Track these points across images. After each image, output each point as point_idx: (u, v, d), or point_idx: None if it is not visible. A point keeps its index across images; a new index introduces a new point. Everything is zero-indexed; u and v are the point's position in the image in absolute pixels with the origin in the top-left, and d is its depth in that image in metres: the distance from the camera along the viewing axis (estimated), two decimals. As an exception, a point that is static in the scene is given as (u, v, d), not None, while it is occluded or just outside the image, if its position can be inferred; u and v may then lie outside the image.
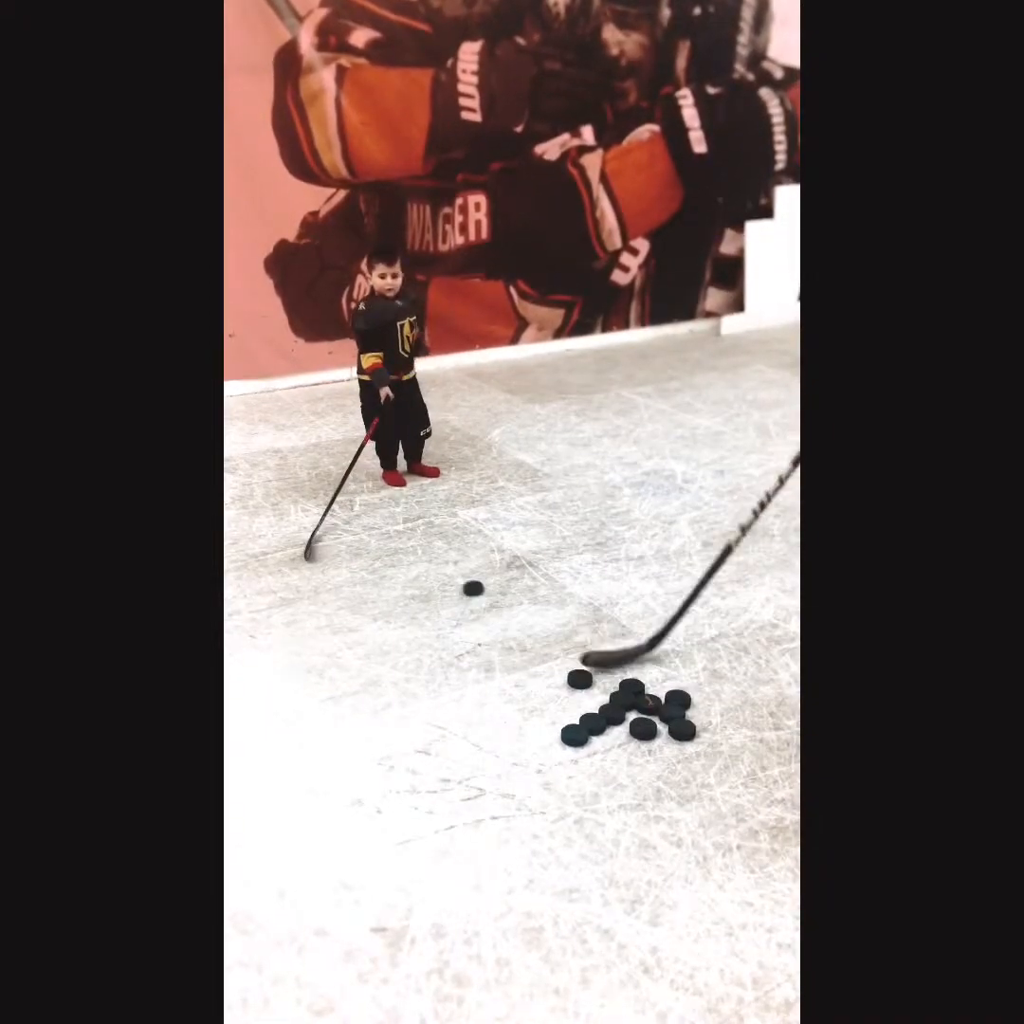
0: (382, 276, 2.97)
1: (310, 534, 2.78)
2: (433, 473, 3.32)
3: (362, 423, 3.77)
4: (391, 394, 3.00)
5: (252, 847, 1.62)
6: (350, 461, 3.05)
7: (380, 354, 3.00)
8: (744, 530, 2.11)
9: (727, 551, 2.14)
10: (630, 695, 1.99)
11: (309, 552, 2.71)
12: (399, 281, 3.00)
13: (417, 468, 3.32)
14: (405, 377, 3.12)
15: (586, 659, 2.13)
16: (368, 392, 3.10)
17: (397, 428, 3.17)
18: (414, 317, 3.10)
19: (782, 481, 2.02)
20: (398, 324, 3.03)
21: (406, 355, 3.09)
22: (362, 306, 3.02)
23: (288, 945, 1.43)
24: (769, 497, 2.06)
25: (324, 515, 2.87)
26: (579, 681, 2.06)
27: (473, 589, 2.47)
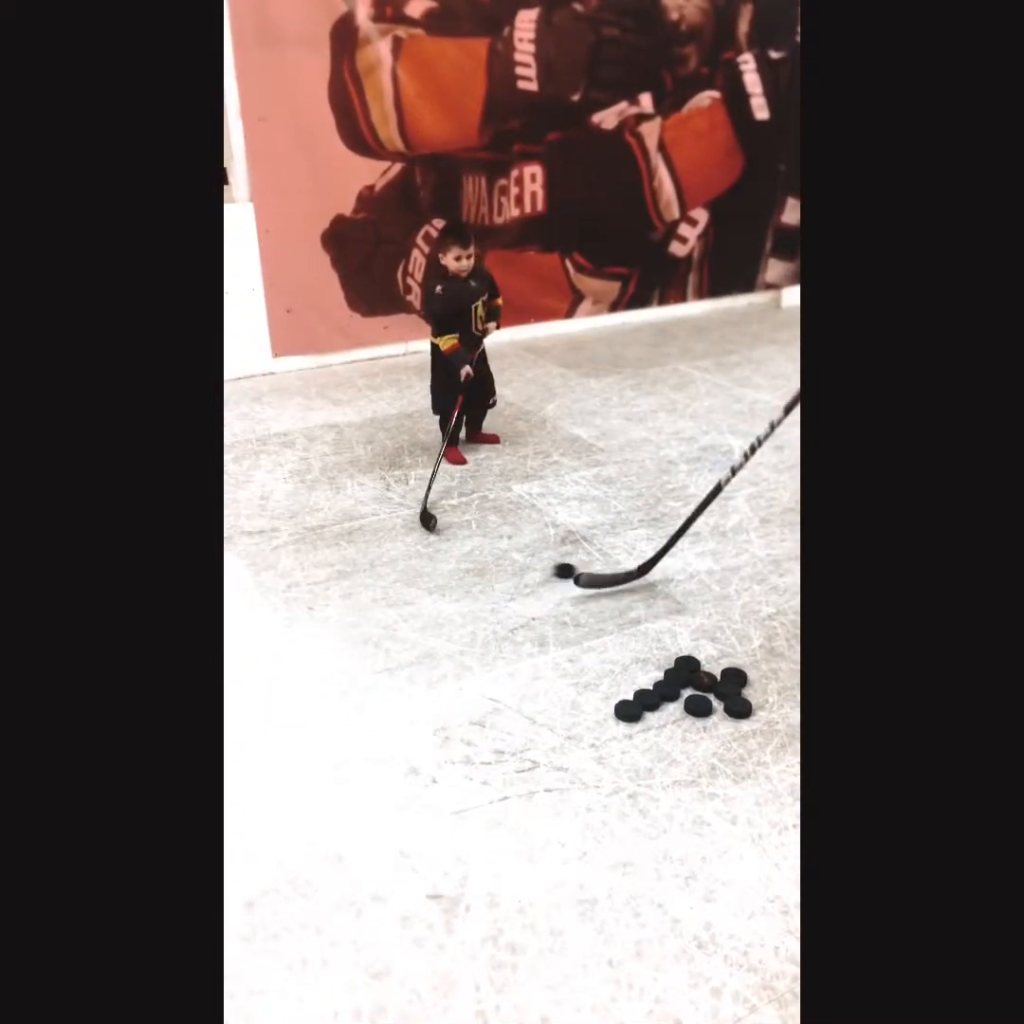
0: (457, 258, 2.96)
1: (422, 509, 2.77)
2: (493, 440, 3.36)
3: (417, 397, 3.80)
4: (471, 373, 3.03)
5: (310, 813, 1.65)
6: (440, 443, 3.06)
7: (456, 335, 3.02)
8: (734, 472, 2.24)
9: (717, 489, 2.28)
10: (686, 672, 1.98)
11: (429, 523, 2.71)
12: (473, 261, 3.00)
13: (478, 437, 3.36)
14: (476, 352, 3.14)
15: (578, 580, 2.31)
16: (441, 363, 3.12)
17: (467, 403, 3.20)
18: (486, 296, 3.11)
19: (773, 427, 2.14)
20: (473, 306, 3.06)
21: (478, 334, 3.12)
22: (439, 289, 3.00)
23: (346, 909, 1.46)
24: (760, 441, 2.19)
25: (428, 491, 2.85)
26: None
27: (565, 572, 2.44)
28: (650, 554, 2.55)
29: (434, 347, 3.13)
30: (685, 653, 2.08)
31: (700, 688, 1.94)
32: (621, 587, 2.38)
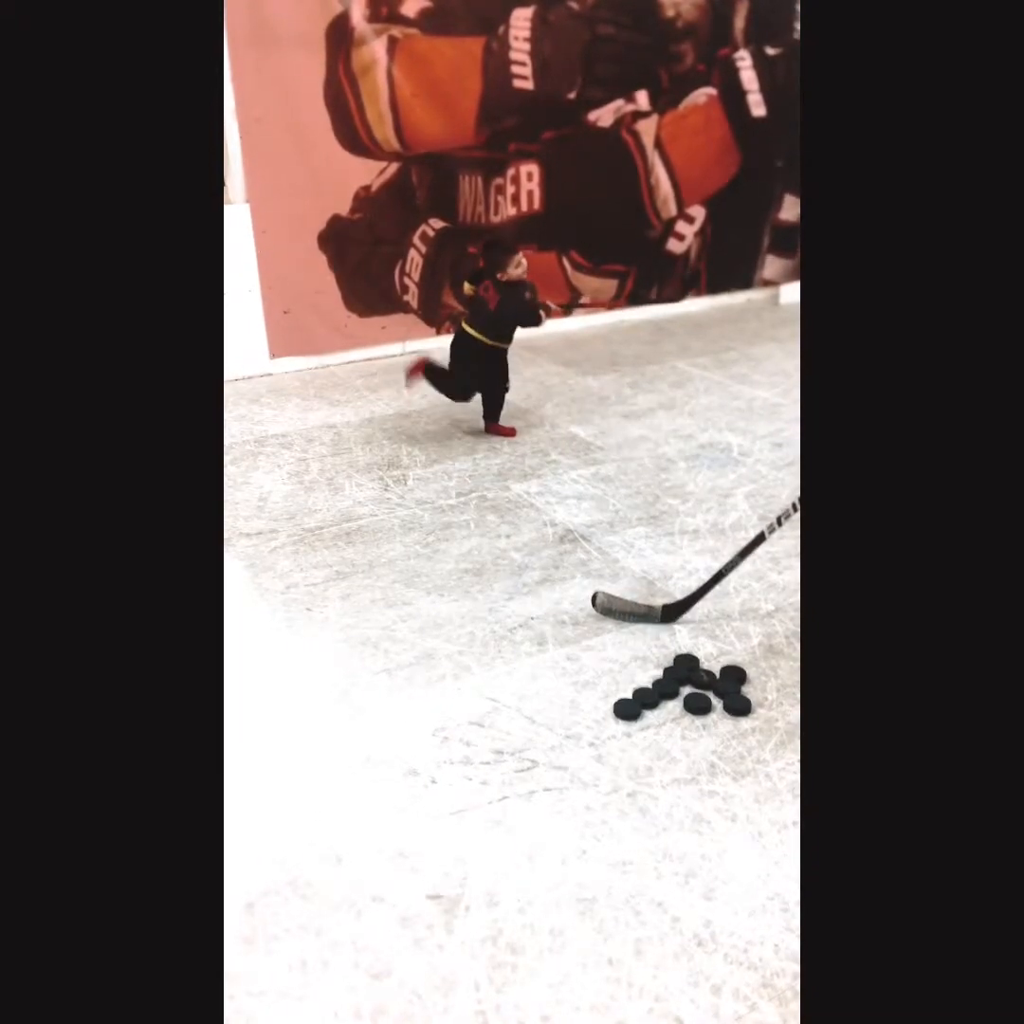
0: (517, 265, 3.24)
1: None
2: (510, 432, 3.47)
3: (415, 398, 3.80)
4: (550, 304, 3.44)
5: (310, 814, 1.65)
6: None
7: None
8: (780, 521, 2.07)
9: (760, 539, 2.11)
10: (684, 670, 1.98)
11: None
12: None
13: (494, 429, 3.49)
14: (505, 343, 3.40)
15: (595, 598, 2.21)
16: (466, 357, 3.35)
17: (499, 387, 3.45)
18: None
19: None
20: None
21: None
22: (528, 295, 3.30)
23: (346, 910, 1.46)
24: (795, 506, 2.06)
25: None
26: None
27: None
28: (649, 552, 2.55)
29: (459, 335, 3.34)
30: (684, 651, 2.08)
31: (699, 686, 1.94)
32: (619, 587, 2.38)
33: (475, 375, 3.38)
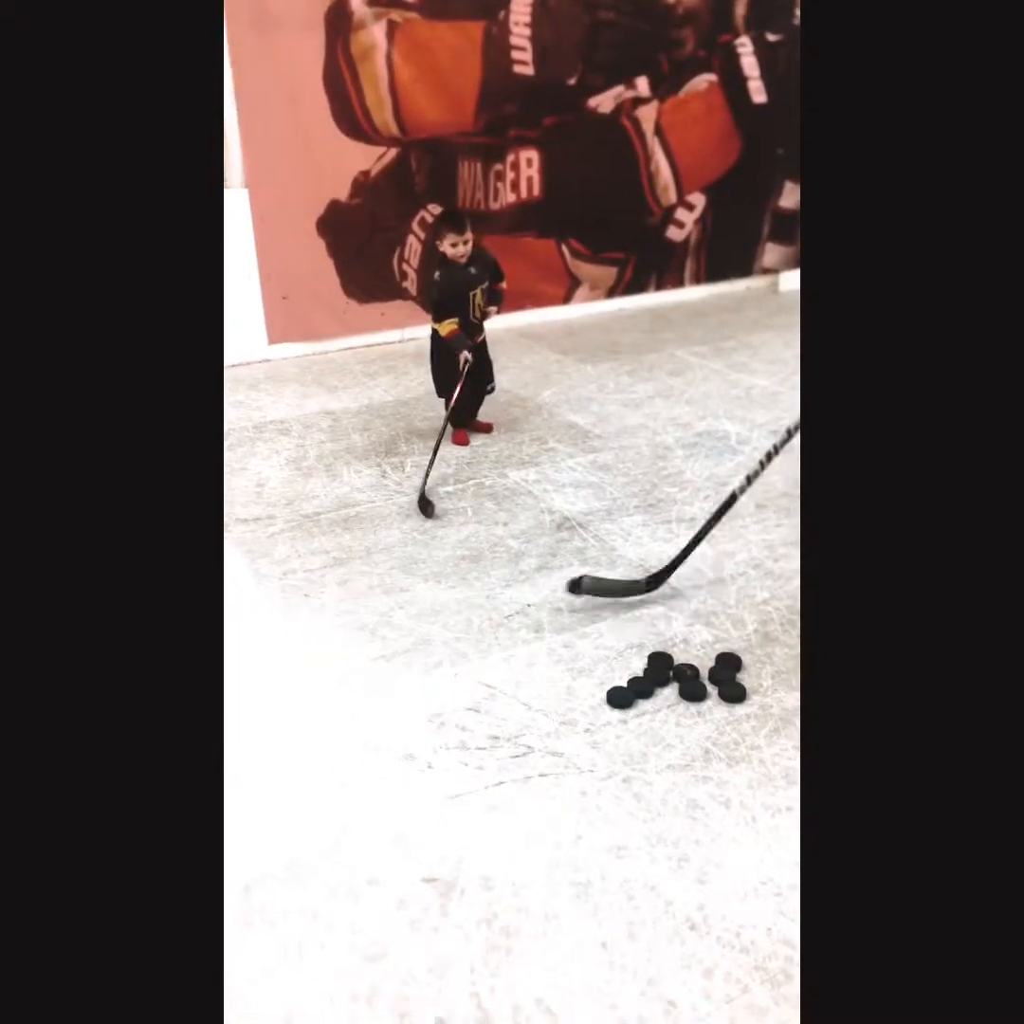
0: (453, 245, 3.00)
1: (420, 494, 2.80)
2: (486, 429, 3.37)
3: (413, 384, 3.79)
4: (470, 357, 3.05)
5: (307, 798, 1.66)
6: (441, 425, 3.07)
7: (456, 320, 3.05)
8: (750, 481, 2.16)
9: (732, 499, 2.18)
10: (662, 669, 1.95)
11: (427, 508, 2.74)
12: (470, 246, 3.02)
13: (472, 425, 3.37)
14: (478, 339, 3.18)
15: (580, 583, 2.16)
16: (440, 349, 3.15)
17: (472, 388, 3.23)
18: (486, 284, 3.12)
19: (790, 434, 2.10)
20: (471, 293, 3.08)
21: (477, 321, 3.14)
22: (437, 277, 3.05)
23: (343, 894, 1.47)
24: (777, 449, 2.13)
25: (427, 474, 2.88)
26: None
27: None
28: (646, 540, 2.55)
29: (435, 332, 3.15)
30: (681, 638, 2.08)
31: (685, 679, 1.93)
32: (616, 574, 2.38)
33: (448, 369, 3.14)
